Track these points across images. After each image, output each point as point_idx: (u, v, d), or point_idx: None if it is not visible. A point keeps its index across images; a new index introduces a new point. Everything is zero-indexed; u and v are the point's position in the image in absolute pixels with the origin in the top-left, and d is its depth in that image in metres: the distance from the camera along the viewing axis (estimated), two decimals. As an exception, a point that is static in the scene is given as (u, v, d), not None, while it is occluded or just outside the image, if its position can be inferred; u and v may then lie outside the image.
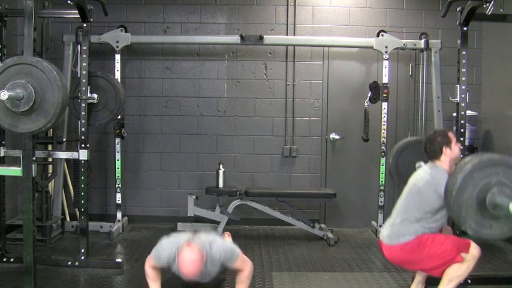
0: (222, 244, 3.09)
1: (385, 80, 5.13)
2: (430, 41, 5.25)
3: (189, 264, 2.87)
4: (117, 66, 5.22)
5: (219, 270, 3.13)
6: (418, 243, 3.12)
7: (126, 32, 5.24)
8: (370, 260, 4.50)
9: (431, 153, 3.28)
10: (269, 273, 4.07)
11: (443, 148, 3.24)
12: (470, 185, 2.69)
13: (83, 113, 4.16)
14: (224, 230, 4.94)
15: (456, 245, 3.15)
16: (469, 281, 3.78)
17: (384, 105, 5.14)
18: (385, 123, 5.18)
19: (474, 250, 3.14)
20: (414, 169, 3.61)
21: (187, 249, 2.90)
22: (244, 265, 3.15)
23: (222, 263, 3.06)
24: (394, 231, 3.22)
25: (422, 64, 5.43)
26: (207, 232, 3.34)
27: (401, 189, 3.45)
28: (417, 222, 3.15)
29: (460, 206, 2.71)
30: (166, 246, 3.06)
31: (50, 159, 4.86)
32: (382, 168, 5.20)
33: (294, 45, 5.62)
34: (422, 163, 3.61)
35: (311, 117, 5.69)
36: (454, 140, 3.29)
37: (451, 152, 3.25)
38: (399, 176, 4.09)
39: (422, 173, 3.30)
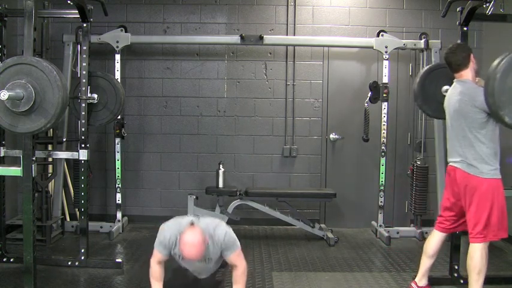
0: (227, 230, 3.08)
1: (385, 80, 5.13)
2: (430, 41, 5.25)
3: (191, 247, 2.84)
4: (117, 66, 5.22)
5: (219, 257, 3.11)
6: (492, 188, 3.19)
7: (126, 32, 5.24)
8: (370, 260, 4.50)
9: (460, 60, 3.31)
10: (269, 273, 4.07)
11: (471, 55, 3.31)
12: None
13: (83, 113, 4.16)
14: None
15: (503, 225, 3.22)
16: (469, 281, 3.78)
17: (384, 105, 5.14)
18: (385, 123, 5.18)
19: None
20: (441, 94, 3.72)
21: (189, 231, 2.88)
22: (240, 261, 3.13)
23: (222, 250, 3.05)
24: (464, 158, 3.27)
25: (422, 64, 5.42)
26: (211, 217, 3.33)
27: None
28: (478, 145, 3.21)
29: (502, 90, 2.74)
30: (168, 229, 3.05)
31: (50, 159, 4.86)
32: (382, 168, 5.20)
33: (294, 45, 5.62)
34: (448, 87, 3.62)
35: (311, 117, 5.69)
36: None
37: (475, 59, 3.34)
38: (425, 101, 4.05)
39: (454, 96, 3.33)
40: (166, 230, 3.06)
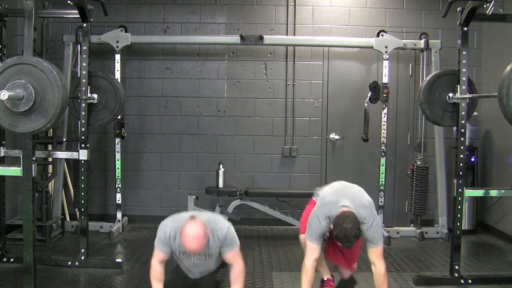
0: (228, 225, 3.08)
1: (385, 80, 5.12)
2: (430, 41, 5.25)
3: (192, 238, 2.83)
4: (117, 66, 5.22)
5: (219, 254, 3.10)
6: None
7: (126, 32, 5.24)
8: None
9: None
10: (269, 273, 4.07)
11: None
12: None
13: (83, 113, 4.16)
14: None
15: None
16: (470, 281, 3.78)
17: (384, 105, 5.14)
18: (385, 123, 5.18)
19: None
20: (446, 100, 3.90)
21: (190, 223, 2.88)
22: (237, 260, 3.12)
23: (222, 246, 3.04)
24: None
25: (422, 64, 5.43)
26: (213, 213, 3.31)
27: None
28: None
29: None
30: (167, 226, 3.04)
31: (50, 159, 4.86)
32: (382, 168, 5.20)
33: (294, 45, 5.62)
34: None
35: (311, 117, 5.69)
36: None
37: None
38: (431, 108, 4.03)
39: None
40: (166, 226, 3.05)
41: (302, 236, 3.44)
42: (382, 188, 5.23)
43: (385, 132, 5.20)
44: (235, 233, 3.11)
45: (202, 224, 2.90)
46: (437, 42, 5.29)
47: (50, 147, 5.00)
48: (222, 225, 3.04)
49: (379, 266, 3.23)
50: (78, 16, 4.17)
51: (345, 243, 3.09)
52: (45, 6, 4.93)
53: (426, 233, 5.21)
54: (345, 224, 3.02)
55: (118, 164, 5.32)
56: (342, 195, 3.30)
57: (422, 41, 5.25)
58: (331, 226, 3.12)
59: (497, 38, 5.41)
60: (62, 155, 4.51)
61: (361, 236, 3.23)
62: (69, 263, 4.10)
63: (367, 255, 3.31)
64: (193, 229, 2.85)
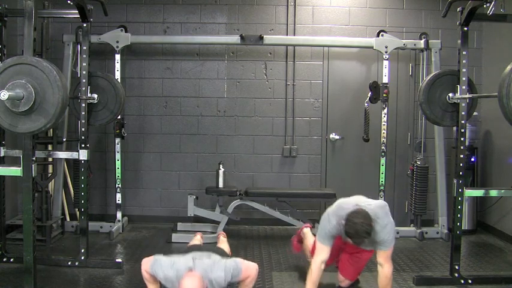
0: (224, 266, 3.01)
1: (385, 80, 5.12)
2: (430, 41, 5.25)
3: None
4: (117, 66, 5.21)
5: None
6: None
7: (126, 32, 5.24)
8: (370, 260, 4.47)
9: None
10: (269, 273, 4.07)
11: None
12: None
13: (83, 113, 4.16)
14: (224, 230, 4.93)
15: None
16: (470, 281, 3.79)
17: (384, 105, 5.14)
18: (385, 123, 5.18)
19: None
20: (446, 100, 3.93)
21: (188, 278, 2.84)
22: (250, 272, 3.10)
23: (228, 283, 3.02)
24: None
25: (422, 64, 5.43)
26: (206, 254, 3.24)
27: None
28: None
29: None
30: (165, 268, 2.97)
31: (50, 159, 4.86)
32: (382, 168, 5.20)
33: (294, 45, 5.62)
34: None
35: (311, 117, 5.69)
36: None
37: None
38: (431, 108, 4.02)
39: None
40: (164, 269, 2.98)
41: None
42: (382, 188, 5.23)
43: (385, 132, 5.20)
44: (232, 263, 3.04)
45: (200, 278, 2.86)
46: (437, 42, 5.29)
47: (50, 147, 5.00)
48: (219, 270, 2.95)
49: (386, 268, 3.21)
50: (78, 16, 4.17)
51: (356, 239, 3.10)
52: (45, 6, 4.93)
53: (426, 233, 5.21)
54: (356, 219, 3.06)
55: (118, 164, 5.31)
56: (358, 200, 3.36)
57: (422, 41, 5.25)
58: (343, 222, 3.11)
59: (497, 38, 5.40)
60: (62, 155, 4.51)
61: (373, 236, 3.21)
62: (69, 263, 4.09)
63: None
64: (190, 286, 2.82)
